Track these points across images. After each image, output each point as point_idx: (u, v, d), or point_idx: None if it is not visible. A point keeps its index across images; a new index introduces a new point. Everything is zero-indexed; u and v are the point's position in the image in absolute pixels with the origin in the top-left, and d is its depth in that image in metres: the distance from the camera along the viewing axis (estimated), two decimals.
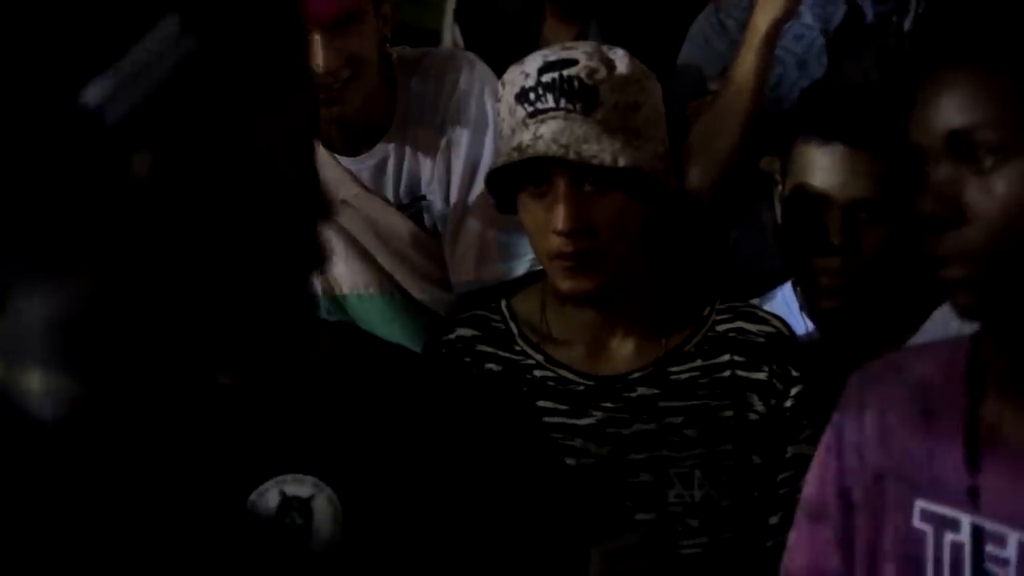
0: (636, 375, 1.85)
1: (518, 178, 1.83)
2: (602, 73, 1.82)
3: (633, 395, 1.84)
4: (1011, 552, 1.25)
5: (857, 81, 2.56)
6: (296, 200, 0.88)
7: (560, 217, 1.77)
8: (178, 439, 0.89)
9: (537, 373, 1.87)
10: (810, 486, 1.45)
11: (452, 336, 1.91)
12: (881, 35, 2.63)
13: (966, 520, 1.28)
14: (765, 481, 1.85)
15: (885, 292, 2.16)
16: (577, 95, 1.80)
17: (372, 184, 2.35)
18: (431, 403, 1.69)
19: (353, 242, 2.37)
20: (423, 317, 2.35)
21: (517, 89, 1.84)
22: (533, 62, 1.85)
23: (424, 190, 2.35)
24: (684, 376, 1.86)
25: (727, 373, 1.86)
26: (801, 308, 2.27)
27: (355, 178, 2.35)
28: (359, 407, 1.67)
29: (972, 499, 1.27)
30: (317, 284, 2.39)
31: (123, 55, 0.82)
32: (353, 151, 2.34)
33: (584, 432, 1.83)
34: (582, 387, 1.85)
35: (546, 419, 1.84)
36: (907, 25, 2.64)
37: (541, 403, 1.85)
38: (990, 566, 1.26)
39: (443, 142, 2.32)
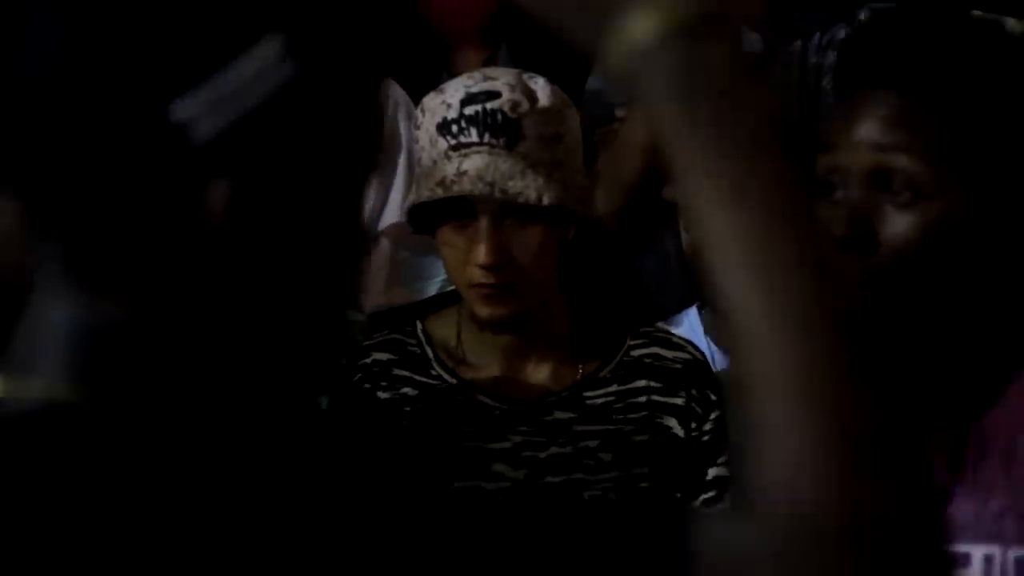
0: (552, 399, 1.86)
1: (439, 211, 1.82)
2: (525, 106, 1.81)
3: (549, 419, 1.84)
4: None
5: None
6: (350, 236, 0.86)
7: (482, 252, 1.77)
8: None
9: (453, 397, 1.86)
10: None
11: (368, 360, 1.89)
12: (785, 65, 2.68)
13: (978, 552, 1.27)
14: (684, 503, 1.85)
15: None
16: (500, 129, 1.79)
17: None
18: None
19: None
20: None
21: (439, 119, 1.82)
22: (455, 92, 1.83)
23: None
24: (600, 401, 1.86)
25: (643, 399, 1.87)
26: (706, 332, 2.32)
27: None
28: None
29: (989, 527, 1.28)
30: None
31: (220, 71, 0.78)
32: None
33: (500, 456, 1.83)
34: (498, 411, 1.85)
35: (463, 443, 1.84)
36: (810, 55, 2.69)
37: (458, 427, 1.85)
38: None
39: (377, 174, 2.32)
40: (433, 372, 1.89)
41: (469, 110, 1.80)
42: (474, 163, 1.78)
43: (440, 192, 1.78)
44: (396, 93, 2.35)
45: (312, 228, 0.83)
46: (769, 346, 0.71)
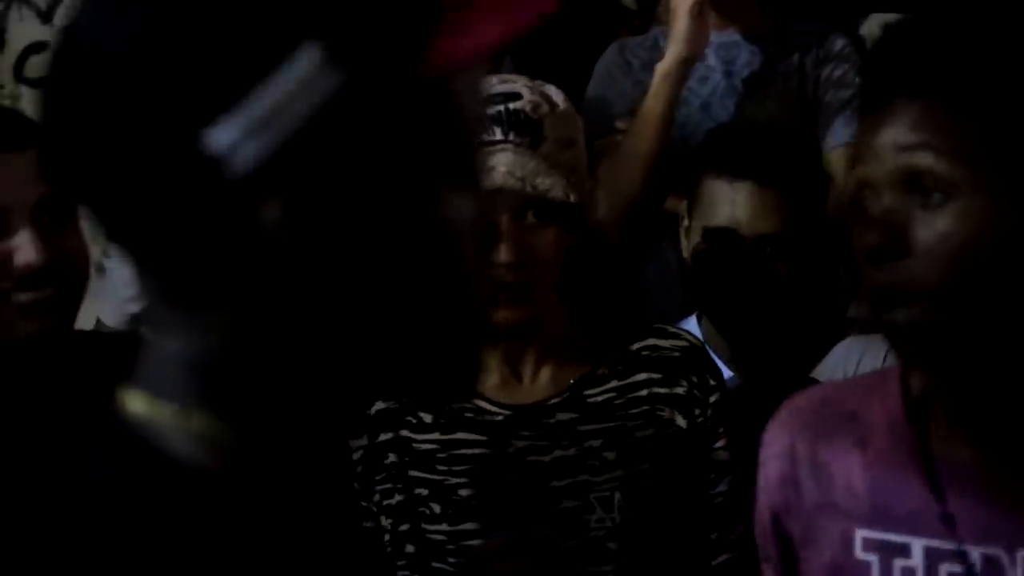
0: (554, 401, 1.84)
1: None
2: (544, 108, 1.82)
3: (552, 421, 1.83)
4: (977, 568, 1.25)
5: (760, 120, 2.62)
6: (429, 243, 0.81)
7: (504, 250, 1.76)
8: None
9: (454, 405, 1.84)
10: (756, 529, 1.45)
11: None
12: (784, 78, 2.69)
13: (918, 544, 1.28)
14: (691, 494, 1.86)
15: (789, 324, 2.22)
16: (524, 129, 1.80)
17: None
18: None
19: None
20: None
21: None
22: None
23: None
24: (601, 398, 1.85)
25: (644, 392, 1.86)
26: (704, 341, 2.33)
27: None
28: None
29: (938, 520, 1.27)
30: None
31: (254, 86, 0.74)
32: None
33: (505, 463, 1.81)
34: (500, 417, 1.83)
35: (465, 451, 1.82)
36: (809, 67, 2.71)
37: (461, 435, 1.83)
38: None
39: None
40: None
41: (492, 110, 1.80)
42: (501, 160, 1.78)
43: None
44: None
45: (379, 232, 0.79)
46: None
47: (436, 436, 1.83)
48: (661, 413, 1.85)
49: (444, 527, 1.81)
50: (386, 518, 1.83)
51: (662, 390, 1.87)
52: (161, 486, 0.80)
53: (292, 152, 0.75)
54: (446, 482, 1.82)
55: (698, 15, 2.45)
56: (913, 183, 1.22)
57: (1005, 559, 1.24)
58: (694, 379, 1.88)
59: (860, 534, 1.32)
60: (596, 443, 1.83)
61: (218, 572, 0.79)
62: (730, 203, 2.19)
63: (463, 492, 1.81)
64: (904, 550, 1.29)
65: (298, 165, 0.76)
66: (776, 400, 2.20)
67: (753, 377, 2.22)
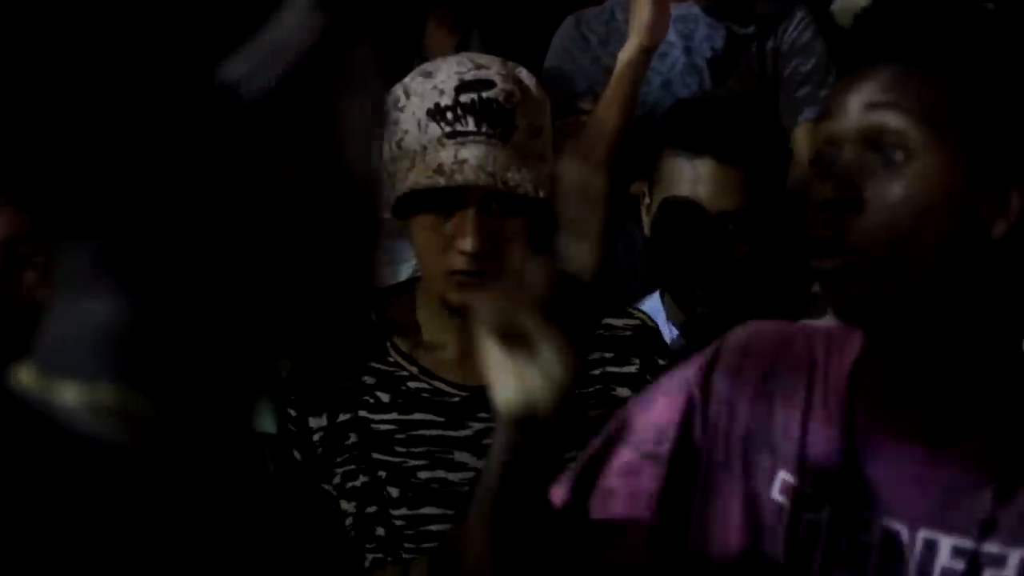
0: None
1: (420, 198, 1.80)
2: (517, 96, 1.81)
3: None
4: (875, 537, 1.26)
5: (722, 97, 2.62)
6: (367, 192, 0.83)
7: (470, 241, 1.76)
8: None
9: (412, 385, 1.84)
10: (648, 415, 1.39)
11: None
12: (744, 53, 2.69)
13: (827, 506, 1.28)
14: None
15: (751, 300, 2.23)
16: (497, 119, 1.79)
17: None
18: None
19: None
20: None
21: (430, 104, 1.80)
22: (447, 78, 1.81)
23: None
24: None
25: (597, 371, 1.86)
26: (668, 318, 2.33)
27: None
28: None
29: (851, 489, 1.27)
30: None
31: (254, 31, 0.76)
32: None
33: (461, 444, 1.82)
34: (457, 398, 1.83)
35: (423, 432, 1.82)
36: (769, 41, 2.70)
37: (418, 415, 1.83)
38: (845, 548, 1.26)
39: None
40: (390, 359, 1.87)
41: (464, 98, 1.79)
42: (473, 152, 1.77)
43: (441, 181, 1.76)
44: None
45: (334, 182, 0.80)
46: None
47: (394, 416, 1.83)
48: (613, 392, 1.86)
49: (404, 511, 1.81)
50: (349, 501, 1.82)
51: (614, 368, 1.87)
52: (58, 465, 0.76)
53: (291, 92, 0.77)
54: (404, 464, 1.82)
55: (660, 3, 2.44)
56: (877, 141, 1.23)
57: (906, 535, 1.25)
58: (645, 358, 1.88)
59: (780, 475, 1.32)
60: None
61: (138, 551, 0.76)
62: (691, 180, 2.19)
63: (422, 475, 1.82)
64: (815, 505, 1.30)
65: (297, 106, 0.77)
66: None
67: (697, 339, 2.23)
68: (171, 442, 0.79)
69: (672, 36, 2.60)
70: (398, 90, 1.87)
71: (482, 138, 1.78)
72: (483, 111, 1.79)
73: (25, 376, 0.79)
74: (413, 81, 1.86)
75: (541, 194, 1.77)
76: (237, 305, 0.80)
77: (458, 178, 1.75)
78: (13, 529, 0.73)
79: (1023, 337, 1.28)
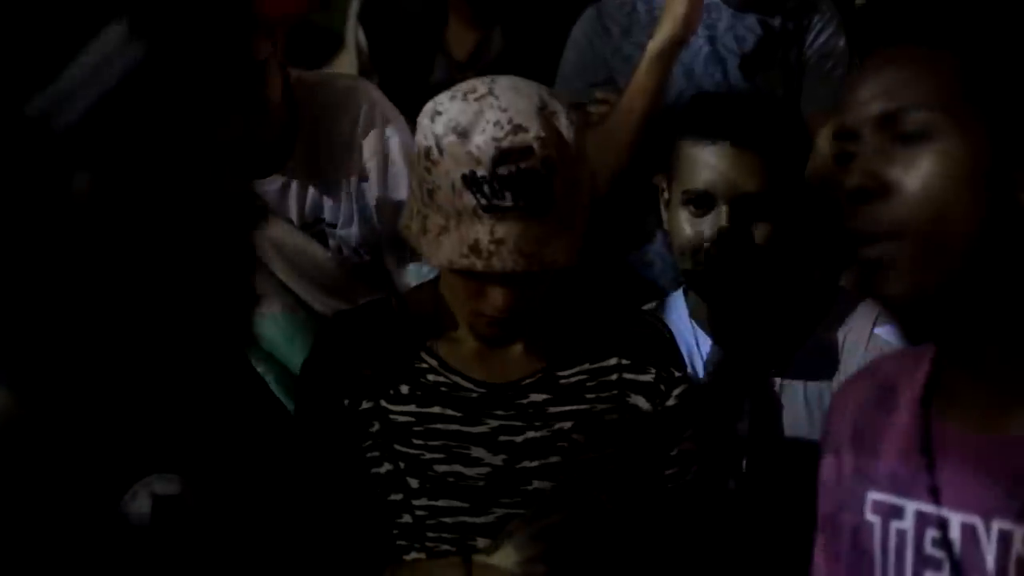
0: (527, 381, 1.84)
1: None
2: (554, 156, 1.73)
3: (525, 402, 1.83)
4: (956, 534, 1.27)
5: (744, 87, 2.59)
6: (232, 209, 0.86)
7: (499, 305, 1.76)
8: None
9: (431, 378, 1.84)
10: (819, 506, 1.45)
11: (346, 334, 1.87)
12: (768, 43, 2.66)
13: (911, 507, 1.30)
14: (650, 480, 1.86)
15: (772, 285, 2.21)
16: (536, 194, 1.72)
17: (276, 206, 2.36)
18: (240, 387, 1.69)
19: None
20: None
21: (466, 171, 1.72)
22: (484, 145, 1.72)
23: (328, 216, 2.36)
24: (573, 380, 1.85)
25: (614, 376, 1.86)
26: (691, 316, 2.31)
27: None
28: (182, 397, 1.67)
29: (926, 486, 1.29)
30: None
31: (69, 63, 0.78)
32: (255, 174, 2.33)
33: (478, 439, 1.81)
34: (475, 394, 1.83)
35: (440, 425, 1.82)
36: (793, 31, 2.67)
37: (436, 409, 1.83)
38: (931, 549, 1.28)
39: (346, 174, 2.33)
40: (412, 349, 1.86)
41: (503, 170, 1.72)
42: (510, 230, 1.72)
43: (479, 264, 1.73)
44: (371, 93, 2.36)
45: (187, 200, 0.82)
46: None
47: (413, 408, 1.83)
48: (628, 399, 1.85)
49: (424, 501, 1.81)
50: (373, 487, 1.82)
51: (631, 376, 1.86)
52: None
53: (102, 119, 0.79)
54: (422, 456, 1.82)
55: None
56: (893, 124, 1.22)
57: (981, 527, 1.26)
58: (662, 368, 1.88)
59: (871, 496, 1.35)
60: (567, 425, 1.83)
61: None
62: (708, 166, 2.17)
63: (439, 468, 1.81)
64: (900, 513, 1.32)
65: (107, 131, 0.79)
66: (758, 369, 2.20)
67: (734, 348, 2.21)
68: (30, 436, 0.82)
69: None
70: (429, 139, 1.78)
71: (519, 213, 1.72)
72: (522, 185, 1.72)
73: None
74: (446, 137, 1.76)
75: (574, 262, 1.75)
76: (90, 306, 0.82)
77: (495, 264, 1.72)
78: None
79: None
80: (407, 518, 1.81)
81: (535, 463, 1.81)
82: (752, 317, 2.22)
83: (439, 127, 1.76)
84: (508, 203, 1.72)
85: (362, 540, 1.83)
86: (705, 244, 2.16)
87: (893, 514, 1.32)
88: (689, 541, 1.91)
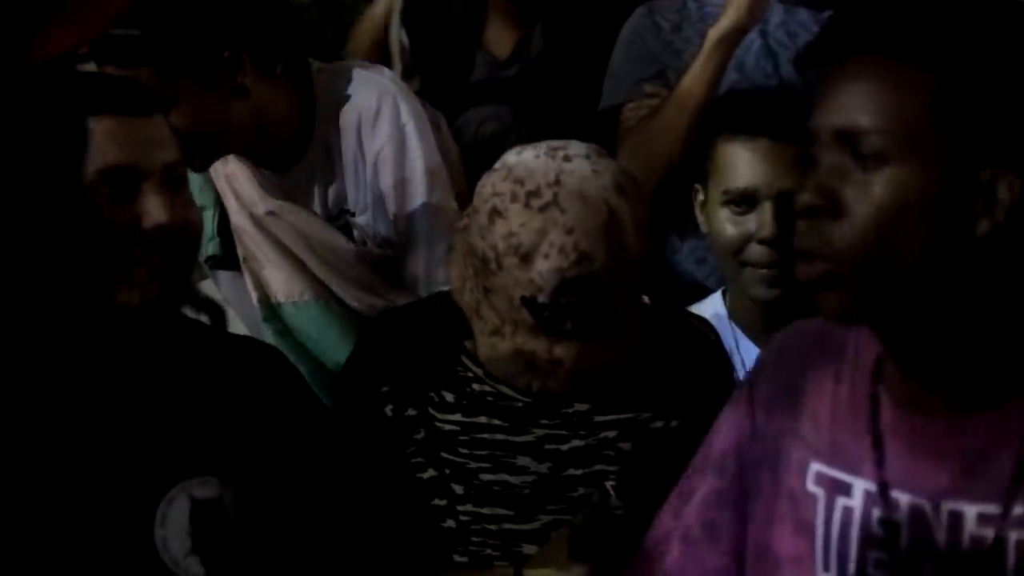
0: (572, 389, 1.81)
1: None
2: (619, 273, 1.67)
3: (570, 411, 1.82)
4: (903, 515, 1.28)
5: (797, 83, 2.58)
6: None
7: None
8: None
9: (476, 387, 1.83)
10: (717, 441, 1.46)
11: (391, 341, 1.87)
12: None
13: (859, 485, 1.31)
14: None
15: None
16: (597, 322, 1.69)
17: (299, 197, 2.35)
18: (279, 387, 1.74)
19: (285, 250, 2.37)
20: (359, 323, 2.35)
21: (526, 294, 1.67)
22: (547, 274, 1.65)
23: (352, 206, 2.34)
24: (617, 388, 1.82)
25: (659, 383, 1.83)
26: (730, 316, 2.32)
27: (280, 190, 2.35)
28: (221, 399, 1.69)
29: (875, 467, 1.30)
30: (254, 293, 2.43)
31: None
32: (278, 164, 2.34)
33: (524, 448, 1.81)
34: (520, 403, 1.82)
35: (486, 435, 1.82)
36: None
37: (482, 419, 1.82)
38: (877, 528, 1.29)
39: (369, 169, 2.30)
40: (456, 356, 1.85)
41: (565, 299, 1.67)
42: (569, 351, 1.71)
43: (535, 384, 1.75)
44: (387, 79, 2.36)
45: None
46: None
47: (458, 417, 1.83)
48: (674, 405, 1.84)
49: (469, 507, 1.82)
50: (417, 493, 1.83)
51: (676, 382, 1.85)
52: None
53: None
54: (468, 465, 1.82)
55: None
56: (852, 143, 1.21)
57: (929, 509, 1.27)
58: (707, 373, 1.86)
59: (814, 467, 1.35)
60: (611, 434, 1.82)
61: None
62: (748, 164, 2.17)
63: (484, 477, 1.82)
64: (847, 490, 1.32)
65: None
66: None
67: None
68: None
69: None
70: (487, 247, 1.70)
71: (580, 337, 1.71)
72: (584, 313, 1.68)
73: None
74: (507, 257, 1.68)
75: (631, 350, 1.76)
76: None
77: (551, 384, 1.74)
78: None
79: None
80: (451, 523, 1.82)
81: (580, 471, 1.81)
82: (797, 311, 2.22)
83: (498, 238, 1.68)
84: (568, 327, 1.69)
85: (406, 544, 1.84)
86: (755, 242, 2.16)
87: (839, 490, 1.32)
88: None
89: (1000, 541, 1.24)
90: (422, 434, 1.83)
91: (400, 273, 2.32)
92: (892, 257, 1.21)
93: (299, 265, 2.38)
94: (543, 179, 1.69)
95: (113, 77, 1.71)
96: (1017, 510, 1.24)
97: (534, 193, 1.68)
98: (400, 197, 2.28)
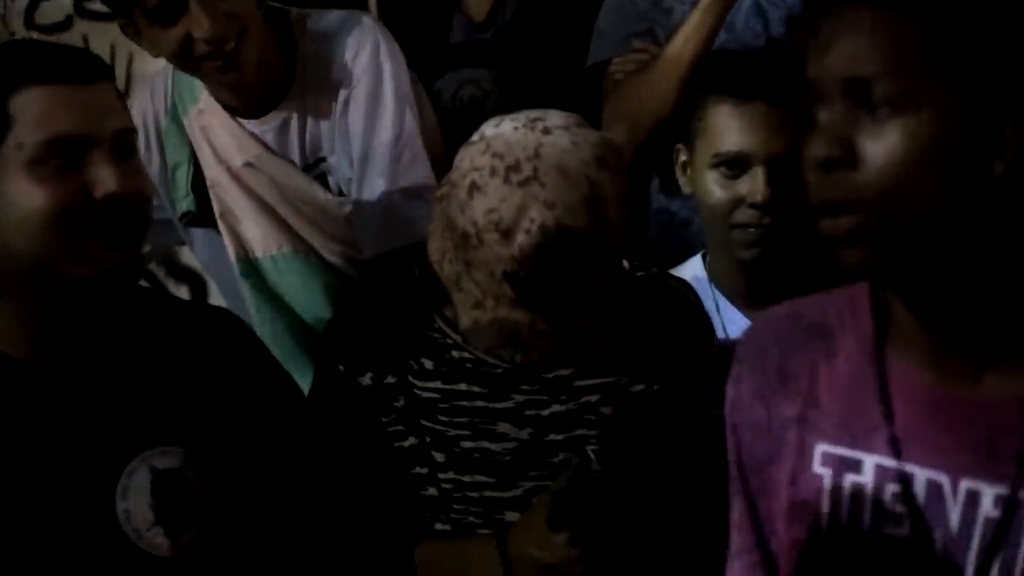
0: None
1: None
2: (601, 244, 1.68)
3: (550, 376, 1.79)
4: (920, 490, 1.26)
5: (788, 45, 2.55)
6: None
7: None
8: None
9: (455, 354, 1.81)
10: (730, 462, 1.43)
11: (367, 310, 1.85)
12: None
13: (870, 461, 1.28)
14: (682, 449, 1.82)
15: (803, 246, 2.17)
16: (580, 293, 1.72)
17: (276, 146, 2.31)
18: (240, 355, 1.73)
19: (262, 203, 2.33)
20: (336, 276, 2.33)
21: (507, 269, 1.68)
22: (528, 247, 1.65)
23: (326, 152, 2.31)
24: (598, 351, 1.80)
25: (640, 347, 1.81)
26: (710, 279, 2.28)
27: (258, 140, 2.31)
28: (181, 368, 1.67)
29: (888, 443, 1.27)
30: (231, 249, 2.40)
31: None
32: (255, 114, 2.30)
33: (504, 415, 1.79)
34: (500, 370, 1.79)
35: (466, 402, 1.80)
36: None
37: (462, 386, 1.80)
38: (894, 505, 1.26)
39: (340, 106, 2.27)
40: (436, 326, 1.83)
41: (547, 274, 1.69)
42: (550, 327, 1.72)
43: (517, 357, 1.76)
44: (367, 22, 2.32)
45: None
46: None
47: (438, 385, 1.81)
48: (655, 368, 1.81)
49: (451, 475, 1.80)
50: (397, 461, 1.81)
51: (657, 345, 1.82)
52: None
53: None
54: (447, 432, 1.80)
55: None
56: (862, 94, 1.20)
57: (947, 486, 1.25)
58: (688, 335, 1.84)
59: (820, 448, 1.32)
60: (593, 398, 1.80)
61: None
62: (740, 127, 2.14)
63: (465, 444, 1.80)
64: (856, 466, 1.29)
65: None
66: None
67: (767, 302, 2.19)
68: None
69: None
70: (467, 222, 1.69)
71: (562, 310, 1.71)
72: (566, 287, 1.69)
73: None
74: (487, 232, 1.68)
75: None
76: None
77: (535, 357, 1.75)
78: None
79: None
80: (432, 491, 1.80)
81: (561, 436, 1.79)
82: (788, 281, 2.20)
83: (478, 214, 1.67)
84: (550, 301, 1.68)
85: (388, 511, 1.82)
86: (745, 206, 2.14)
87: (848, 467, 1.30)
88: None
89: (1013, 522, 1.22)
90: (402, 402, 1.81)
91: (356, 212, 2.29)
92: (916, 202, 1.19)
93: (276, 219, 2.35)
94: (522, 153, 1.66)
95: (56, 45, 1.68)
96: None
97: (513, 167, 1.66)
98: (368, 132, 2.25)
